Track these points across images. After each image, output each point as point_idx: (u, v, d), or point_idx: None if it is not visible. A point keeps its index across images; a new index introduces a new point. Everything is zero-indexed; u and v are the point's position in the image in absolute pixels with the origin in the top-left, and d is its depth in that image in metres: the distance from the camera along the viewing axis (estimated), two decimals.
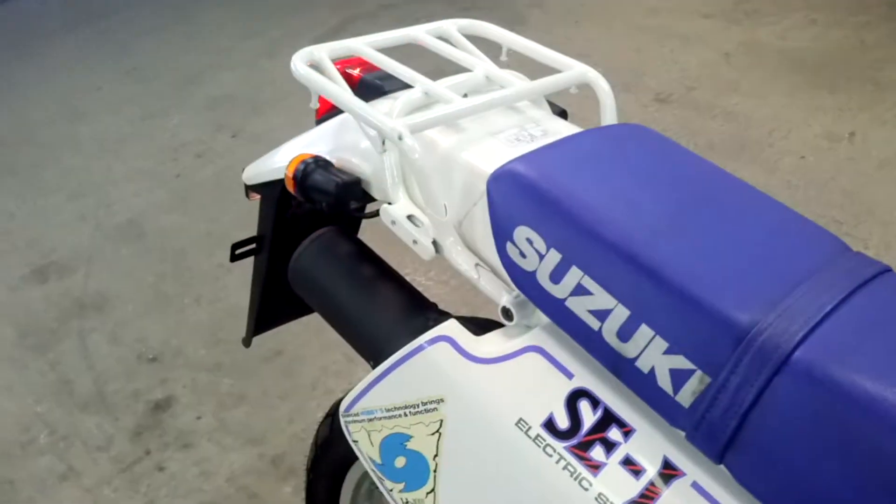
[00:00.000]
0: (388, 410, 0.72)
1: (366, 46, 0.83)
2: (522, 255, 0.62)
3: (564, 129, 0.75)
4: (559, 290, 0.60)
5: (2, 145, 2.87)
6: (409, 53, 0.84)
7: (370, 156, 0.77)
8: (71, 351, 1.89)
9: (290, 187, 0.79)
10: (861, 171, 2.35)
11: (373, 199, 0.81)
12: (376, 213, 0.77)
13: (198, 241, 2.24)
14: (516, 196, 0.63)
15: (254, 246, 1.00)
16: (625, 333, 0.56)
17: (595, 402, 0.60)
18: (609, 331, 0.57)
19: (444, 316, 0.74)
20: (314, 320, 0.98)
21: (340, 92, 0.73)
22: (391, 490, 0.75)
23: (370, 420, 0.74)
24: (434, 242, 0.71)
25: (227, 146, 2.72)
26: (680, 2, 3.60)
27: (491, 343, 0.66)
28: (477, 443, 0.64)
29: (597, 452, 0.58)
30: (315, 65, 0.80)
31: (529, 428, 0.61)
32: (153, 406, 1.72)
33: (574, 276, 0.59)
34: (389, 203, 0.74)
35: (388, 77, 0.84)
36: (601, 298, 0.57)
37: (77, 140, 2.85)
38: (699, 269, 0.55)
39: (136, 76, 3.29)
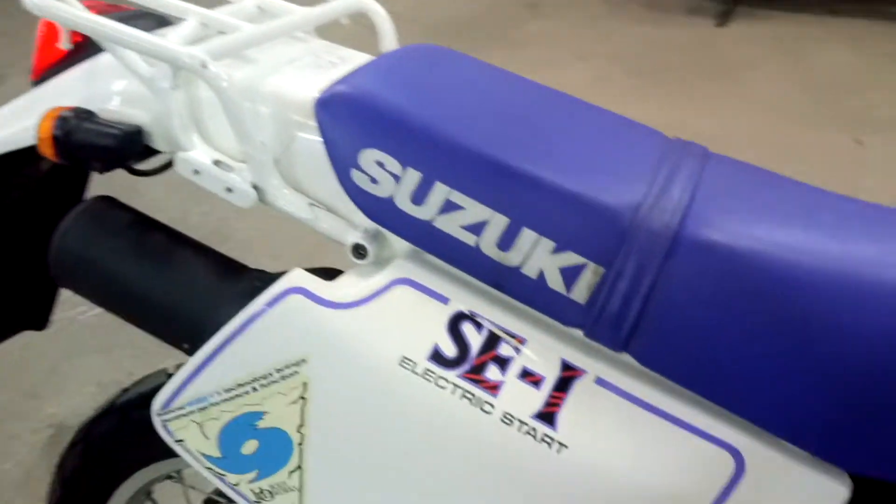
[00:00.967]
0: (227, 391, 0.61)
1: None
2: (373, 180, 0.57)
3: (358, 56, 0.71)
4: (424, 212, 0.56)
5: None
6: None
7: (143, 100, 0.64)
8: None
9: (48, 151, 0.62)
10: None
11: (154, 153, 0.67)
12: (162, 169, 0.64)
13: None
14: (355, 118, 0.57)
15: None
16: (506, 242, 0.54)
17: (478, 322, 0.57)
18: (488, 243, 0.55)
19: (268, 275, 0.65)
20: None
21: (106, 21, 0.59)
22: (236, 484, 0.65)
23: (202, 409, 0.63)
24: (254, 187, 0.61)
25: None
26: None
27: (349, 286, 0.59)
28: (356, 396, 0.57)
29: (492, 372, 0.56)
30: None
31: (415, 365, 0.56)
32: None
33: (440, 192, 0.55)
34: (182, 151, 0.62)
35: (134, 16, 0.71)
36: (474, 211, 0.55)
37: None
38: (568, 165, 0.55)
39: None
